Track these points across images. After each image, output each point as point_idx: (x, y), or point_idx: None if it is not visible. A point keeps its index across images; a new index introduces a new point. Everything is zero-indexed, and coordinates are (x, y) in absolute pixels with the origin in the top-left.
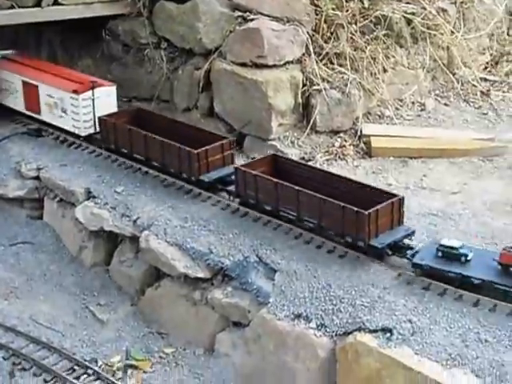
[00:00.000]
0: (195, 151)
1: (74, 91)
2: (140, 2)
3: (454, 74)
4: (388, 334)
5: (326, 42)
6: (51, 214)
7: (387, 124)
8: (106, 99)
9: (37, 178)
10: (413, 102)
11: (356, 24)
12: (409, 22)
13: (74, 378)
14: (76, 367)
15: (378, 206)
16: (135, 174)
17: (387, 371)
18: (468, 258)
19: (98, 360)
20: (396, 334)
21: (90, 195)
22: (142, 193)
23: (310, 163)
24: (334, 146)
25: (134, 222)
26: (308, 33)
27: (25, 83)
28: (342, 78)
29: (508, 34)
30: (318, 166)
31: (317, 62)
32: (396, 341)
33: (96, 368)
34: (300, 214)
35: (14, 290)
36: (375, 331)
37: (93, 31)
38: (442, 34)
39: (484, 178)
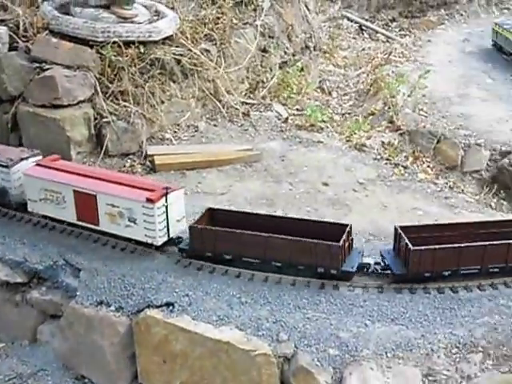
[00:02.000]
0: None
1: (149, 200)
2: None
3: (220, 101)
4: (171, 307)
5: (111, 82)
6: None
7: (167, 145)
8: (176, 204)
9: None
10: (188, 126)
11: (135, 66)
12: (178, 61)
13: None
14: None
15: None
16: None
17: (172, 336)
18: None
19: None
20: (177, 307)
21: None
22: None
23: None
24: (125, 166)
25: None
26: (95, 76)
27: (78, 193)
28: (127, 110)
29: (261, 66)
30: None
31: (104, 99)
32: (177, 312)
33: None
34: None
35: None
36: (161, 306)
37: None
38: (206, 69)
39: (246, 180)
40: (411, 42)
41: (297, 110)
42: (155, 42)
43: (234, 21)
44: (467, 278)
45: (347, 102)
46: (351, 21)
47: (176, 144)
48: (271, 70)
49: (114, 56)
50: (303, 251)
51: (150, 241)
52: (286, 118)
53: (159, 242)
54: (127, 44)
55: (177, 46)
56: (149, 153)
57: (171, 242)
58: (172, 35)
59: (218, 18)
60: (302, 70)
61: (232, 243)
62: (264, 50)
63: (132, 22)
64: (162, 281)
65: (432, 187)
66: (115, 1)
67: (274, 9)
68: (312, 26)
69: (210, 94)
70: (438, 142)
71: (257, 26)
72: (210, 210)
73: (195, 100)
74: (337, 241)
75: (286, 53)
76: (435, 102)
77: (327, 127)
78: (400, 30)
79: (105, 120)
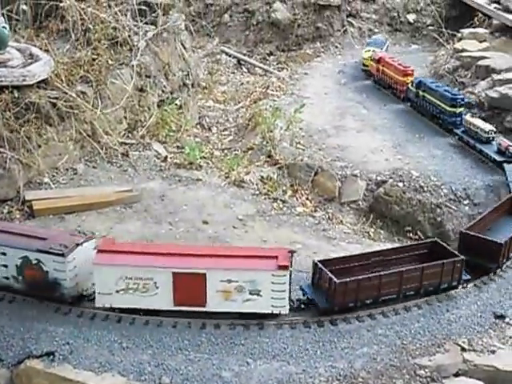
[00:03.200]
0: None
1: (282, 267)
2: None
3: (98, 142)
4: (51, 357)
5: None
6: None
7: (46, 189)
8: None
9: None
10: (66, 169)
11: (10, 111)
12: (54, 105)
13: None
14: None
15: None
16: None
17: None
18: None
19: None
20: (58, 356)
21: None
22: None
23: None
24: (2, 212)
25: None
26: None
27: (178, 275)
28: (2, 156)
29: (139, 105)
30: None
31: None
32: (58, 361)
33: None
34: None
35: None
36: (41, 356)
37: None
38: (83, 111)
39: (126, 221)
40: (288, 75)
41: (177, 147)
42: (30, 86)
43: (110, 62)
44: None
45: (227, 137)
46: (229, 55)
47: (54, 188)
48: (149, 109)
49: None
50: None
51: (277, 311)
52: (165, 157)
53: (286, 310)
54: (0, 89)
55: (52, 89)
56: (27, 198)
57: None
58: (47, 78)
59: (94, 60)
60: (180, 107)
61: (371, 288)
62: (141, 90)
63: (5, 67)
64: (42, 330)
65: (310, 220)
66: None
67: (150, 48)
68: (189, 63)
69: (88, 135)
70: (316, 174)
71: (133, 66)
72: None
73: (73, 142)
74: None
75: (163, 91)
76: (312, 135)
77: (208, 163)
78: (277, 64)
79: None
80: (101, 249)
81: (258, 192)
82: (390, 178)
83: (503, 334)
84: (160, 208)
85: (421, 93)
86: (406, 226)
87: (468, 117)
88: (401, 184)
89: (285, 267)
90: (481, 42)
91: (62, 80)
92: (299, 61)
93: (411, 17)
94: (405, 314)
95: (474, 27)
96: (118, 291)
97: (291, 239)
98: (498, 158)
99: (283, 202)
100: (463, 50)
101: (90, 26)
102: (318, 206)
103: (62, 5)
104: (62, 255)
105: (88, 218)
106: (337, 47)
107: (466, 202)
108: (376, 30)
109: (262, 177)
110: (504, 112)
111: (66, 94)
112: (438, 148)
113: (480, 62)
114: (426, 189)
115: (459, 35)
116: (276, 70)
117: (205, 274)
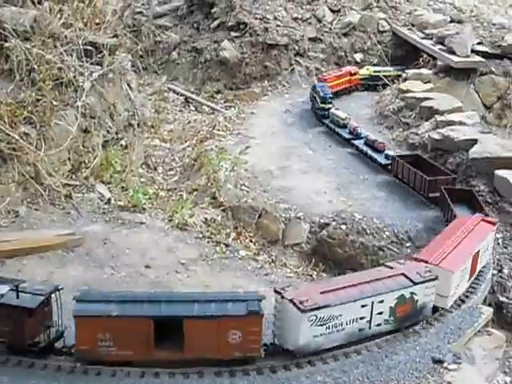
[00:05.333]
0: None
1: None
2: None
3: (41, 184)
4: None
5: None
6: None
7: None
8: None
9: None
10: (8, 211)
11: None
12: None
13: None
14: None
15: None
16: None
17: None
18: None
19: None
20: None
21: None
22: None
23: None
24: None
25: None
26: None
27: None
28: None
29: (83, 146)
30: None
31: None
32: None
33: None
34: None
35: None
36: None
37: None
38: (26, 153)
39: (68, 266)
40: (235, 114)
41: (122, 188)
42: None
43: (55, 102)
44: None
45: (172, 177)
46: (177, 93)
47: None
48: (94, 149)
49: None
50: None
51: None
52: (109, 199)
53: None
54: None
55: None
56: None
57: None
58: None
59: (38, 100)
60: (126, 147)
61: None
62: (86, 131)
63: None
64: None
65: (253, 264)
66: None
67: (96, 89)
68: (135, 103)
69: (31, 177)
70: (260, 216)
71: (78, 106)
72: None
73: (15, 184)
74: None
75: (108, 132)
76: (257, 176)
77: (153, 203)
78: (225, 102)
79: None
80: None
81: (201, 235)
82: (333, 220)
83: (441, 379)
84: (102, 252)
85: (313, 93)
86: (348, 268)
87: (333, 110)
88: (344, 226)
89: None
90: (425, 82)
91: (4, 122)
92: (246, 99)
93: (358, 56)
94: (344, 360)
95: (419, 68)
96: None
97: (233, 284)
98: (347, 136)
99: (226, 245)
100: (408, 91)
101: (35, 67)
102: (262, 249)
103: (6, 45)
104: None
105: (29, 262)
106: (284, 86)
107: (408, 245)
108: (323, 69)
109: (206, 219)
110: (446, 153)
111: (9, 135)
112: (381, 190)
113: (424, 103)
114: (368, 231)
115: (404, 76)
116: (224, 109)
117: None
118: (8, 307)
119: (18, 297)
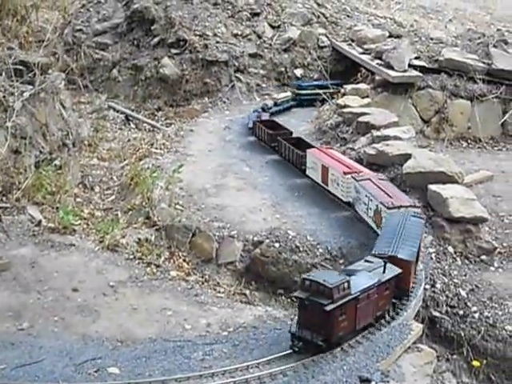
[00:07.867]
0: None
1: None
2: None
3: None
4: None
5: None
6: None
7: None
8: None
9: None
10: None
11: None
12: None
13: None
14: None
15: None
16: None
17: None
18: None
19: None
20: None
21: None
22: None
23: None
24: None
25: None
26: None
27: None
28: None
29: (14, 167)
30: None
31: None
32: None
33: None
34: None
35: None
36: None
37: None
38: None
39: None
40: (174, 132)
41: (57, 208)
42: None
43: None
44: None
45: (110, 196)
46: (117, 111)
47: None
48: (26, 170)
49: None
50: None
51: None
52: (39, 221)
53: None
54: None
55: None
56: None
57: None
58: None
59: None
60: (60, 168)
61: None
62: (16, 151)
63: None
64: None
65: (183, 285)
66: None
67: (27, 109)
68: (69, 122)
69: None
70: (194, 235)
71: (7, 127)
72: None
73: None
74: None
75: (41, 152)
76: (192, 195)
77: (88, 224)
78: (166, 119)
79: None
80: None
81: (132, 256)
82: (267, 238)
83: None
84: (30, 276)
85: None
86: (281, 286)
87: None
88: (277, 244)
89: None
90: (363, 97)
91: None
92: (186, 116)
93: (299, 71)
94: (270, 381)
95: (357, 83)
96: None
97: (162, 306)
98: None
99: (157, 266)
100: (345, 106)
101: None
102: (196, 268)
103: None
104: None
105: None
106: (225, 102)
107: (341, 261)
108: (264, 85)
109: (140, 239)
110: (381, 168)
111: None
112: (316, 206)
113: (360, 118)
114: (301, 249)
115: (342, 91)
116: (164, 126)
117: None
118: None
119: None
